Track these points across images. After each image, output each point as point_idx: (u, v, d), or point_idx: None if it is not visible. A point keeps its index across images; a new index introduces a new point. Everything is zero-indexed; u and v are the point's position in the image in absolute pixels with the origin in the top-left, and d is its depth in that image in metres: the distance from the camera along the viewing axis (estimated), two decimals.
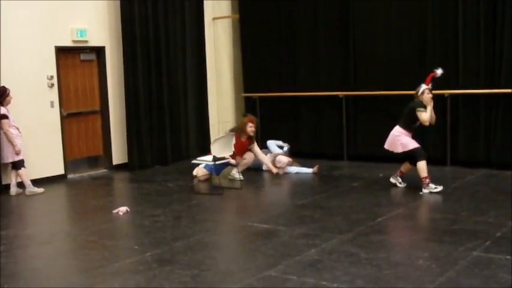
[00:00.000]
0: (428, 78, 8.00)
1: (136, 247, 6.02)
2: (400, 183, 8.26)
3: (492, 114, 9.36)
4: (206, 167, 9.04)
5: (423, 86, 7.96)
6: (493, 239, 5.88)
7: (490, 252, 5.50)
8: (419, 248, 5.57)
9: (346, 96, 10.80)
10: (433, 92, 8.04)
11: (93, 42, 10.35)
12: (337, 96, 10.85)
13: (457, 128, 9.59)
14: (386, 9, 10.37)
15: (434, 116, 8.04)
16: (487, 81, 9.39)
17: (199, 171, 9.26)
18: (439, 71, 8.07)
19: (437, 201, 7.71)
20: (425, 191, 7.86)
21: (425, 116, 7.91)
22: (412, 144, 7.96)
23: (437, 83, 9.76)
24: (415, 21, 10.09)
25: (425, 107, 7.90)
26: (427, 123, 8.00)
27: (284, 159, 9.57)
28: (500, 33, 9.25)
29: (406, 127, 8.03)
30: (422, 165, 7.88)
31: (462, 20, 9.59)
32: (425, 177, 7.88)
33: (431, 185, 7.89)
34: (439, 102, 9.82)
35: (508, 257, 5.26)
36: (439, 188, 7.86)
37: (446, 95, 9.69)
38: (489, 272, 4.98)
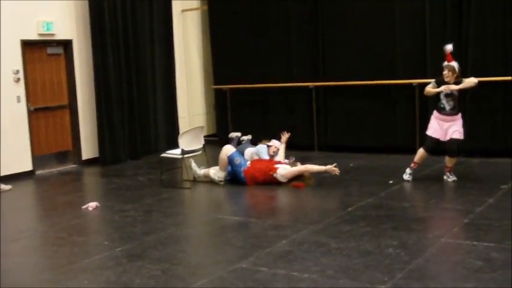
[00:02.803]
0: (447, 55, 7.79)
1: (106, 243, 5.97)
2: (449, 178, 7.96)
3: (460, 103, 9.45)
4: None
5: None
6: (461, 225, 5.96)
7: (458, 239, 5.59)
8: (388, 237, 5.61)
9: (316, 87, 10.84)
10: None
11: (60, 36, 10.20)
12: (307, 87, 10.88)
13: (426, 117, 9.66)
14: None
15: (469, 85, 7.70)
16: None
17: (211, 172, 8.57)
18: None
19: (406, 190, 7.79)
20: (408, 170, 8.02)
21: (427, 88, 7.85)
22: (428, 130, 7.90)
23: (406, 72, 9.94)
24: (384, 11, 10.14)
25: (441, 83, 7.67)
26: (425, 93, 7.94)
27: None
28: (467, 22, 9.39)
29: (436, 108, 7.87)
30: (419, 151, 7.98)
31: (429, 9, 9.69)
32: (415, 163, 7.99)
33: (408, 171, 8.01)
34: (407, 91, 9.97)
35: (475, 242, 5.33)
36: (407, 178, 7.98)
37: (414, 84, 9.77)
38: (457, 257, 5.06)
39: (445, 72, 7.67)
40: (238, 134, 9.31)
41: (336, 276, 4.73)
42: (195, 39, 12.87)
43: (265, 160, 8.44)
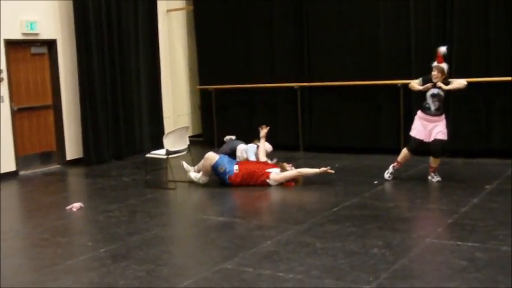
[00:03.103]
0: (438, 56, 7.79)
1: (90, 243, 5.93)
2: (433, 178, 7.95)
3: (444, 104, 9.51)
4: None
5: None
6: (445, 225, 6.00)
7: (442, 239, 5.62)
8: (373, 237, 5.62)
9: (301, 87, 10.85)
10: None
11: (44, 35, 10.13)
12: (292, 87, 10.89)
13: (410, 117, 9.71)
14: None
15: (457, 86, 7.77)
16: None
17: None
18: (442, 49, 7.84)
19: (391, 190, 7.82)
20: (390, 169, 8.07)
21: (412, 83, 7.94)
22: (412, 131, 7.94)
23: (390, 73, 9.97)
24: (369, 11, 10.18)
25: (429, 83, 7.71)
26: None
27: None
28: (450, 22, 9.45)
29: (420, 108, 7.90)
30: (403, 151, 8.03)
31: (414, 9, 9.75)
32: (398, 162, 8.04)
33: (390, 170, 8.05)
34: (392, 92, 10.00)
35: (459, 242, 5.36)
36: (388, 177, 8.03)
37: (399, 85, 9.82)
38: (441, 257, 5.08)
39: (434, 73, 7.70)
40: (233, 137, 9.26)
41: (321, 276, 4.73)
42: (180, 39, 12.83)
43: (254, 163, 8.38)
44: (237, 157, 8.58)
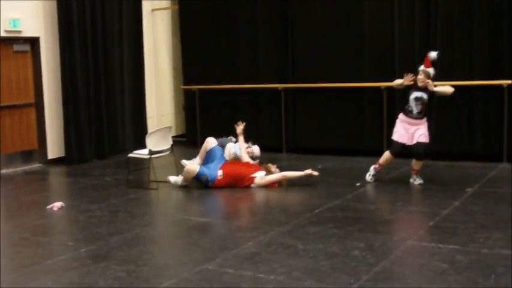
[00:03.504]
0: (426, 60, 7.81)
1: (70, 243, 5.88)
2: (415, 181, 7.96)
3: (427, 107, 9.56)
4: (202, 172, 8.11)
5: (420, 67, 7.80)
6: (426, 228, 6.02)
7: (423, 241, 5.64)
8: (355, 239, 5.63)
9: (285, 89, 10.85)
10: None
11: (27, 33, 10.04)
12: (276, 88, 10.89)
13: (394, 119, 9.75)
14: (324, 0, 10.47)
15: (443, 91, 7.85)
16: None
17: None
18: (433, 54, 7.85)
19: (373, 193, 7.84)
20: (371, 171, 8.09)
21: (397, 80, 7.95)
22: (394, 135, 7.96)
23: (374, 75, 10.01)
24: (353, 13, 10.21)
25: (413, 85, 7.72)
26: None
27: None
28: (434, 24, 9.50)
29: (402, 111, 7.91)
30: (385, 154, 8.04)
31: (398, 12, 9.80)
32: (379, 164, 8.05)
33: (372, 172, 8.08)
34: (376, 94, 10.04)
35: (440, 245, 5.38)
36: (369, 180, 8.06)
37: (382, 87, 9.85)
38: (422, 260, 5.09)
39: (421, 76, 7.71)
40: (234, 139, 9.25)
41: (302, 278, 4.72)
42: (164, 39, 12.79)
43: (239, 166, 8.32)
44: (225, 154, 8.60)
